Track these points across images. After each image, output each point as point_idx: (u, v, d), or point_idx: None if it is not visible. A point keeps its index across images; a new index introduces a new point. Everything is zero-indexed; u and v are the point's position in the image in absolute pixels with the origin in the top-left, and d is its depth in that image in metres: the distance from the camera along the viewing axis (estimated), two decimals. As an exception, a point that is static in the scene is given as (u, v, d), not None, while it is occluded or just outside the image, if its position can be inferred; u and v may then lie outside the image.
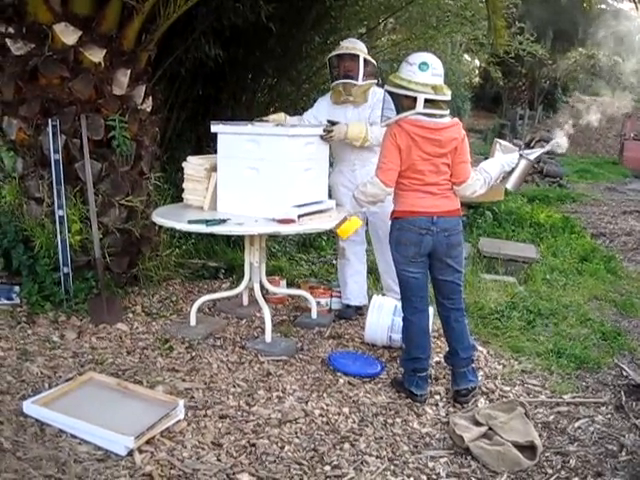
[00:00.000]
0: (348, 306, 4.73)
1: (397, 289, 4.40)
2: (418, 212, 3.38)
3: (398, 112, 3.37)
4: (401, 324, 4.02)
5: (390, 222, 3.54)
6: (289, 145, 3.88)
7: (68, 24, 4.21)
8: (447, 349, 3.70)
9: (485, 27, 7.71)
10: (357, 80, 4.29)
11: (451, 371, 3.61)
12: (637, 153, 16.84)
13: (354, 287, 4.69)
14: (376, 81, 4.46)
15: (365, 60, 4.32)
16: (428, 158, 3.35)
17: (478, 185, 3.51)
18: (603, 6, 18.58)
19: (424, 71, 3.30)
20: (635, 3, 5.13)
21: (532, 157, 3.81)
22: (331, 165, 4.69)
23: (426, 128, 3.32)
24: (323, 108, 4.55)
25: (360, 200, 3.50)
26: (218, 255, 5.77)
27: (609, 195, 12.67)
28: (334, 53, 4.47)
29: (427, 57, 3.37)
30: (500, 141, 3.97)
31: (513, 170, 3.76)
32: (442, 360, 3.80)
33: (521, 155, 3.77)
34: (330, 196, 4.49)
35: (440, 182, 3.41)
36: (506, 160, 3.72)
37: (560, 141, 4.05)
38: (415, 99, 3.29)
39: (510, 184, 3.82)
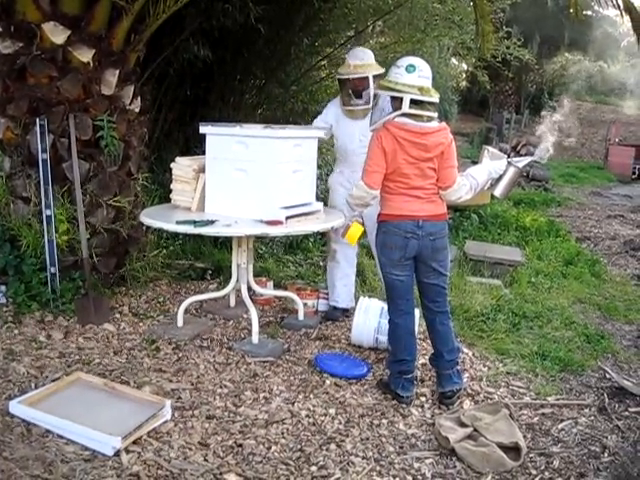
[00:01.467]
0: (335, 308, 4.74)
1: None
2: (404, 216, 3.41)
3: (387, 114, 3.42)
4: (387, 326, 4.06)
5: (377, 225, 3.56)
6: (277, 147, 3.90)
7: (57, 23, 4.20)
8: (432, 351, 3.72)
9: (473, 31, 7.76)
10: (369, 103, 4.23)
11: (436, 373, 3.64)
12: (622, 158, 16.94)
13: (342, 290, 4.71)
14: None
15: (375, 76, 4.32)
16: (414, 162, 3.37)
17: (464, 190, 3.52)
18: (589, 12, 18.71)
19: (411, 73, 3.34)
20: (620, 10, 5.18)
21: (520, 165, 3.83)
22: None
23: (412, 132, 3.34)
24: (332, 114, 4.58)
25: (350, 203, 3.60)
26: (205, 256, 5.77)
27: (594, 199, 12.76)
28: (344, 77, 4.43)
29: (414, 60, 3.41)
30: (488, 147, 3.98)
31: (501, 177, 3.77)
32: (427, 362, 3.82)
33: (509, 162, 3.78)
34: (323, 198, 4.50)
35: (426, 186, 3.43)
36: (494, 167, 3.73)
37: (545, 147, 4.07)
38: (401, 100, 3.32)
39: (498, 191, 3.83)
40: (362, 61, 4.40)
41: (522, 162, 3.88)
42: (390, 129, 3.35)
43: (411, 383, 3.56)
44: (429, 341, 3.87)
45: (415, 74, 3.34)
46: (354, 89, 4.39)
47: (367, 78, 4.32)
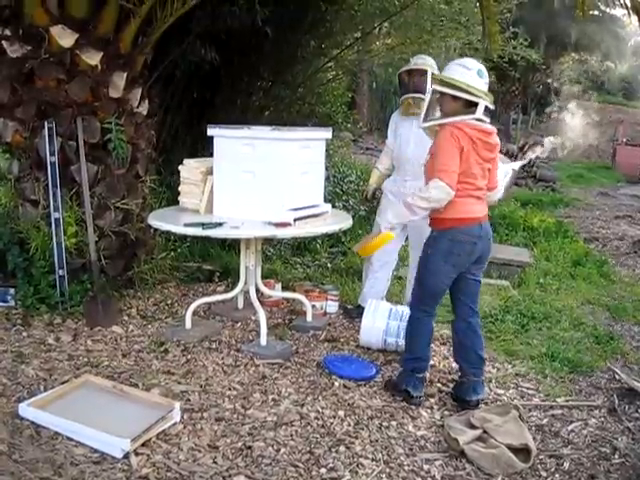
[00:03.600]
0: (359, 306, 4.76)
1: None
2: (471, 219, 3.31)
3: (444, 114, 3.35)
4: (396, 328, 4.07)
5: (436, 231, 3.37)
6: (285, 149, 3.89)
7: (65, 27, 4.21)
8: (465, 359, 3.55)
9: (479, 32, 7.74)
10: (425, 94, 4.29)
11: (466, 380, 3.50)
12: (629, 158, 16.92)
13: (369, 291, 4.72)
14: None
15: (433, 75, 4.36)
16: (480, 162, 3.29)
17: (501, 192, 3.54)
18: (596, 12, 18.66)
19: (481, 78, 3.28)
20: (627, 9, 5.16)
21: (516, 167, 3.89)
22: None
23: (483, 131, 3.27)
24: (394, 122, 4.73)
25: (420, 207, 3.24)
26: (213, 258, 5.78)
27: (602, 200, 12.73)
28: (404, 69, 4.61)
29: (481, 65, 3.33)
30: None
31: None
32: (437, 364, 3.81)
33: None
34: (331, 199, 4.49)
35: (484, 187, 3.37)
36: (505, 169, 3.76)
37: (544, 147, 4.14)
38: (473, 104, 3.24)
39: (500, 193, 3.86)
40: (424, 60, 4.56)
41: (517, 164, 3.94)
42: (464, 129, 3.22)
43: (422, 383, 3.55)
44: (438, 343, 3.88)
45: (483, 80, 3.29)
46: (414, 84, 4.47)
47: (426, 72, 4.39)
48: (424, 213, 3.31)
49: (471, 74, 3.27)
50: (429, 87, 4.24)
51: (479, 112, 3.23)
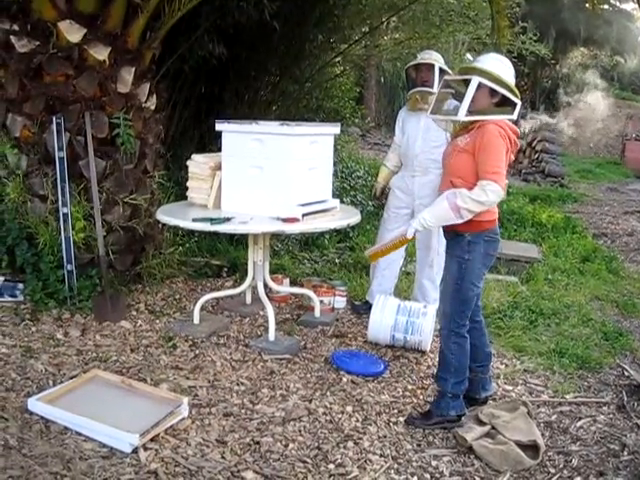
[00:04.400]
0: (366, 302, 4.77)
1: (430, 298, 4.47)
2: (496, 219, 3.23)
3: (477, 110, 3.09)
4: (404, 323, 4.06)
5: (470, 235, 3.14)
6: (293, 144, 3.88)
7: (73, 22, 4.21)
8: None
9: (488, 26, 7.72)
10: (433, 88, 4.30)
11: (475, 379, 3.41)
12: (639, 154, 16.82)
13: (376, 288, 4.73)
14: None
15: (441, 69, 4.36)
16: (509, 162, 3.18)
17: None
18: (606, 6, 18.55)
19: (514, 77, 3.17)
20: (637, 3, 5.13)
21: None
22: None
23: (515, 133, 3.16)
24: (401, 118, 4.72)
25: (470, 210, 3.02)
26: (221, 253, 5.78)
27: (611, 195, 12.67)
28: (411, 63, 4.60)
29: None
30: None
31: None
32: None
33: None
34: (339, 195, 4.49)
35: None
36: None
37: None
38: (512, 104, 3.10)
39: None
40: (430, 55, 4.53)
41: None
42: (506, 129, 3.08)
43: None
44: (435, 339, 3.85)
45: (514, 79, 3.16)
46: (421, 78, 4.46)
47: (433, 67, 4.37)
48: (470, 217, 3.06)
49: (511, 73, 3.13)
50: (436, 81, 4.25)
51: (516, 113, 3.10)
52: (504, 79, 3.07)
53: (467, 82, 3.11)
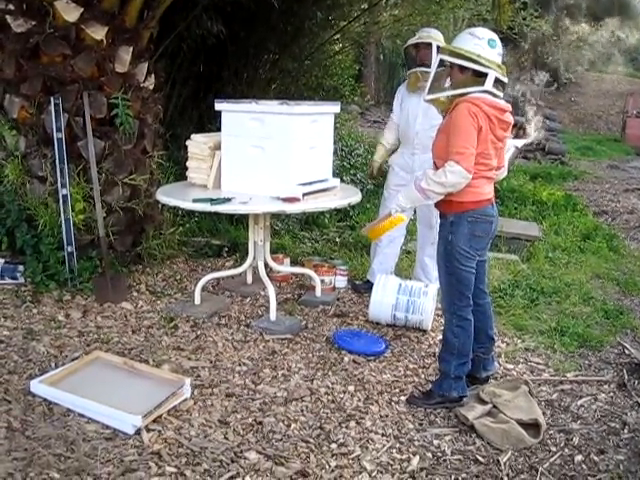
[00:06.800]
0: (367, 281, 4.77)
1: (431, 276, 4.51)
2: (487, 200, 3.16)
3: (453, 87, 3.15)
4: (405, 302, 4.06)
5: (452, 216, 3.13)
6: (294, 123, 3.86)
7: (69, 1, 4.16)
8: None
9: (489, 3, 7.65)
10: (431, 67, 4.27)
11: (477, 358, 3.40)
12: (639, 130, 16.75)
13: (377, 267, 4.73)
14: None
15: (439, 47, 4.31)
16: (495, 142, 3.11)
17: (506, 171, 3.42)
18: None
19: (493, 48, 3.08)
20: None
21: (519, 145, 3.79)
22: None
23: (499, 109, 3.07)
24: (398, 99, 4.69)
25: (434, 192, 3.03)
26: (221, 233, 5.77)
27: (611, 173, 12.62)
28: (410, 42, 4.56)
29: (493, 34, 3.12)
30: None
31: None
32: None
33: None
34: (338, 173, 4.47)
35: (495, 167, 3.21)
36: (507, 145, 3.63)
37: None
38: (483, 75, 3.04)
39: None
40: (429, 33, 4.49)
41: (521, 142, 3.84)
42: (481, 106, 3.00)
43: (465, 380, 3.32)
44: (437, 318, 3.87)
45: (496, 50, 3.10)
46: (420, 57, 4.43)
47: (430, 45, 4.34)
48: (439, 198, 3.09)
49: (481, 43, 3.06)
50: (434, 59, 4.20)
51: (488, 83, 3.02)
52: (463, 50, 3.07)
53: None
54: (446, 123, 3.13)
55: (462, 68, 3.10)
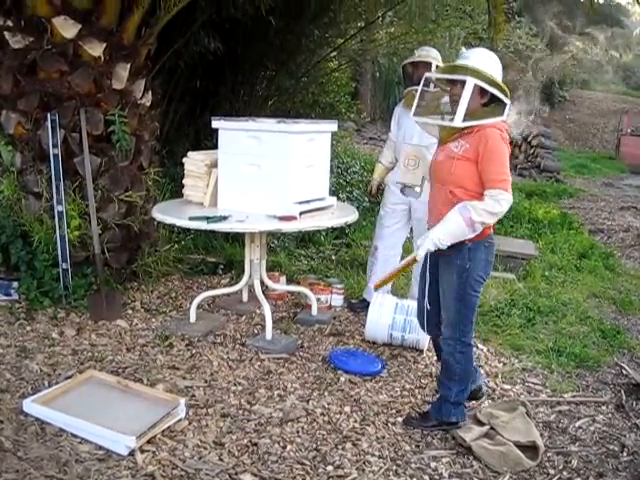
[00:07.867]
0: (363, 300, 4.77)
1: None
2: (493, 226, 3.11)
3: (477, 115, 2.93)
4: (402, 322, 4.04)
5: (471, 243, 2.98)
6: (291, 141, 3.85)
7: (67, 17, 4.17)
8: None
9: (484, 21, 7.69)
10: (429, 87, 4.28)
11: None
12: (634, 148, 16.81)
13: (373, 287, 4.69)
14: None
15: (438, 67, 4.32)
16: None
17: None
18: (601, 0, 18.55)
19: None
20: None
21: None
22: None
23: (507, 131, 3.00)
24: (397, 114, 4.70)
25: (485, 223, 2.89)
26: (217, 250, 5.75)
27: (606, 190, 12.66)
28: (408, 61, 4.59)
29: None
30: None
31: None
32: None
33: None
34: (334, 191, 4.46)
35: None
36: None
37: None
38: (504, 106, 2.95)
39: None
40: (428, 52, 4.52)
41: None
42: (503, 130, 2.93)
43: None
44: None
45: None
46: (418, 75, 4.38)
47: (430, 64, 4.35)
48: (481, 228, 2.92)
49: (500, 69, 2.97)
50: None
51: (506, 113, 2.94)
52: (496, 79, 2.93)
53: (455, 81, 2.98)
54: (472, 150, 2.93)
55: (482, 94, 2.93)
